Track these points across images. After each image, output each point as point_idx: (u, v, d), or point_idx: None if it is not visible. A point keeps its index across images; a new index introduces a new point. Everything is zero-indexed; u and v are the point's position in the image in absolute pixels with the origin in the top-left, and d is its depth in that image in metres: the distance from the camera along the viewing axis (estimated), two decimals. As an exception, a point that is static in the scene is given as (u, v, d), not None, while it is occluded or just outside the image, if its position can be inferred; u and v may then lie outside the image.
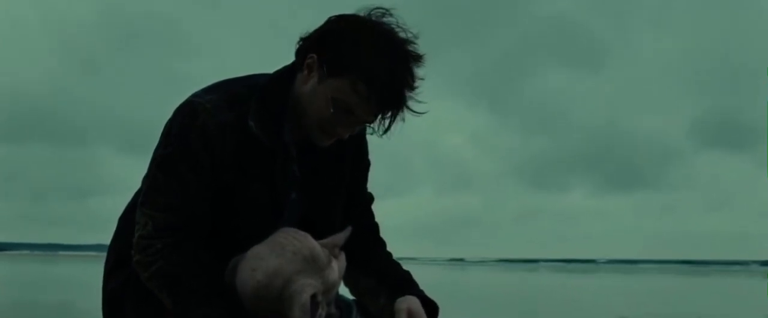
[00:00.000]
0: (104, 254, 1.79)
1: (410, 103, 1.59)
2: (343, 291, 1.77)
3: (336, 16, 1.63)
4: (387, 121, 1.62)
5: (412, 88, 1.58)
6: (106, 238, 1.78)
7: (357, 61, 1.56)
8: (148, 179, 1.63)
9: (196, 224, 1.59)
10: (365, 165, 1.86)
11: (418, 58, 1.59)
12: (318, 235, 1.62)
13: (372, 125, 1.63)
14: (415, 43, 1.60)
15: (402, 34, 1.59)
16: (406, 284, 1.79)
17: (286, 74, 1.67)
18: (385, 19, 1.60)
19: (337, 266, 1.57)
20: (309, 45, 1.63)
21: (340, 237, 1.62)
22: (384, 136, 1.63)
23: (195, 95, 1.64)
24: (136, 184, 1.71)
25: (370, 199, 1.90)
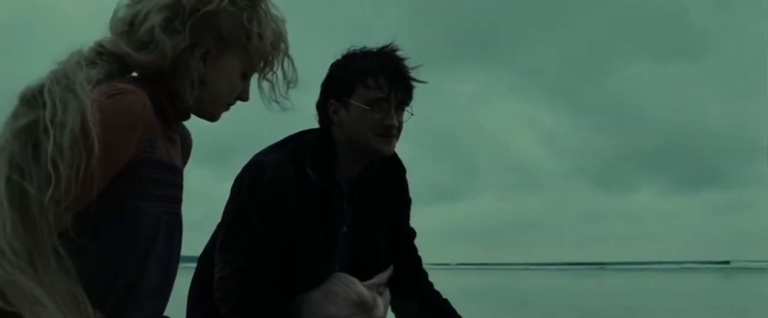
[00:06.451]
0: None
1: (412, 73, 1.94)
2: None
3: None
4: (407, 92, 1.92)
5: (404, 61, 1.94)
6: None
7: (357, 71, 1.92)
8: (224, 227, 1.95)
9: (266, 267, 1.90)
10: (407, 202, 2.16)
11: (392, 47, 1.94)
12: (365, 266, 1.91)
13: (407, 104, 1.93)
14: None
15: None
16: (446, 312, 2.09)
17: (326, 131, 1.98)
18: (356, 49, 1.97)
19: (381, 303, 1.87)
20: (323, 101, 1.96)
21: (384, 276, 1.92)
22: (409, 108, 1.94)
23: (260, 155, 1.96)
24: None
25: (413, 234, 2.20)
